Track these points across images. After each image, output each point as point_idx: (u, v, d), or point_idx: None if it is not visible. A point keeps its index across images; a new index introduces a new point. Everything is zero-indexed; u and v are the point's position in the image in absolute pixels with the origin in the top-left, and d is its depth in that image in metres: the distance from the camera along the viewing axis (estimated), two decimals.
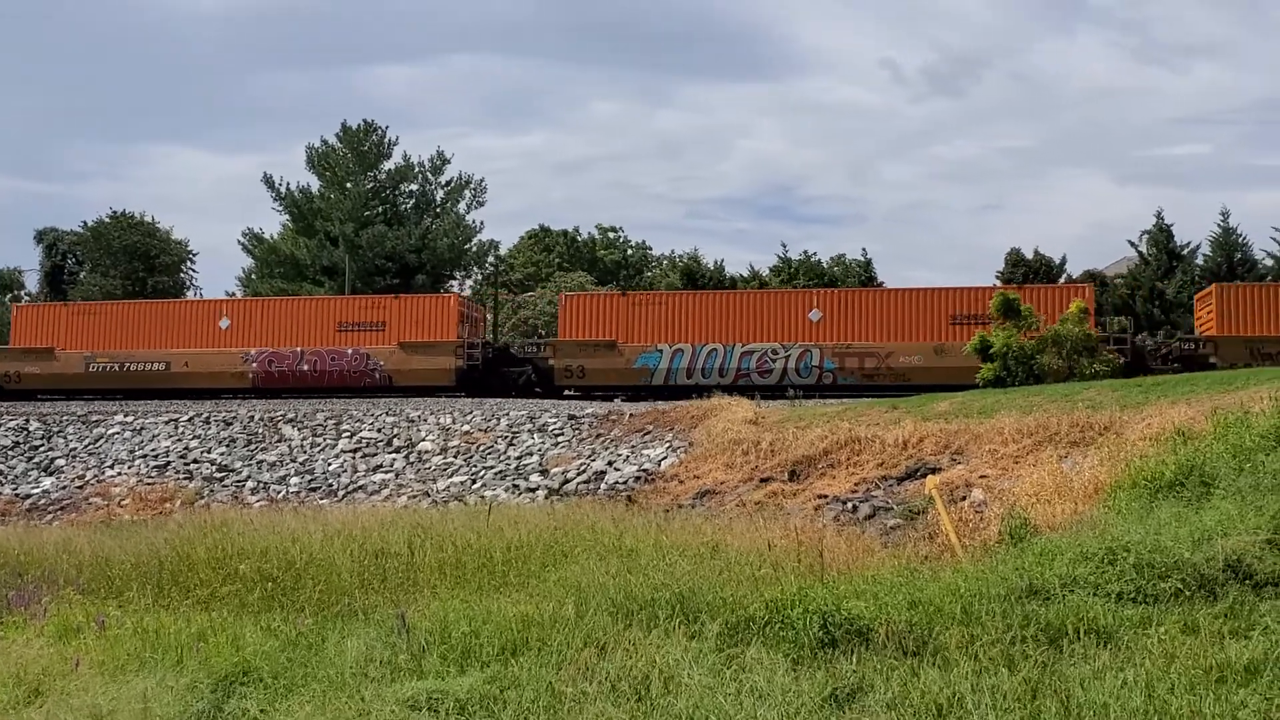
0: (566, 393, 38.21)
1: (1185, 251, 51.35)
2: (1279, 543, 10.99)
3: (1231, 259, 49.68)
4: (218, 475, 29.25)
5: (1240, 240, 50.59)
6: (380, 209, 63.82)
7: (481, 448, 28.60)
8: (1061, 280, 51.84)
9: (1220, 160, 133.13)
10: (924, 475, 19.89)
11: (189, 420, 33.00)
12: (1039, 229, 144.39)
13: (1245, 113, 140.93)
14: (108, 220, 67.46)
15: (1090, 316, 33.63)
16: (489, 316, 52.13)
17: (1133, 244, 53.13)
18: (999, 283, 48.57)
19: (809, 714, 7.89)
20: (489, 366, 40.07)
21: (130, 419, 33.65)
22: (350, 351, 40.34)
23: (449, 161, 66.11)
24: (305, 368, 40.52)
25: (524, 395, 37.99)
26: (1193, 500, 13.11)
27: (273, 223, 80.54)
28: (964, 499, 18.62)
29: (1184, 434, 16.44)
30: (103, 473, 30.22)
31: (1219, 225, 50.89)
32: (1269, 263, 50.32)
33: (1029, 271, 52.38)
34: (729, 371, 38.09)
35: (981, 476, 19.57)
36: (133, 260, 66.06)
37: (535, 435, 28.73)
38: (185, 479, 29.26)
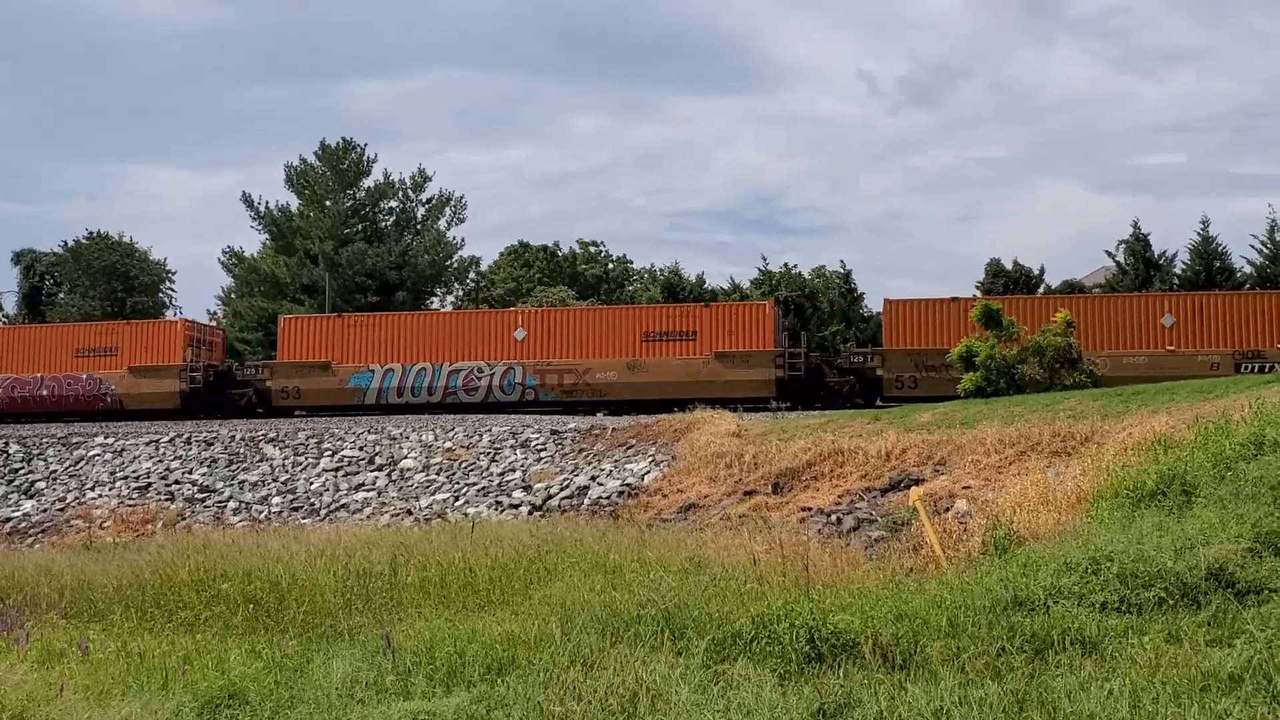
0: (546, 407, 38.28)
1: (1163, 261, 51.62)
2: (1261, 550, 11.05)
3: (1211, 267, 49.96)
4: (199, 496, 29.12)
5: (1219, 249, 50.90)
6: (360, 226, 63.76)
7: (464, 464, 28.55)
8: (1040, 291, 52.06)
9: (1197, 168, 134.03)
10: (907, 487, 19.93)
11: (170, 441, 32.86)
12: (1017, 239, 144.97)
13: (1222, 120, 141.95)
14: (85, 241, 67.21)
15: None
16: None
17: (1110, 254, 53.45)
18: (978, 293, 48.72)
19: None
20: (211, 388, 41.42)
21: (111, 440, 33.50)
22: (85, 376, 41.55)
23: (430, 179, 66.16)
24: (45, 393, 41.76)
25: (247, 415, 39.37)
26: (1175, 509, 13.15)
27: (252, 241, 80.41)
28: (947, 510, 18.64)
29: (1165, 443, 16.51)
30: (83, 495, 30.07)
31: (1198, 234, 51.25)
32: (1248, 270, 50.62)
33: (1009, 281, 52.62)
34: (437, 390, 39.81)
35: (965, 487, 19.60)
36: (111, 280, 65.83)
37: (518, 451, 28.69)
38: (167, 500, 29.12)
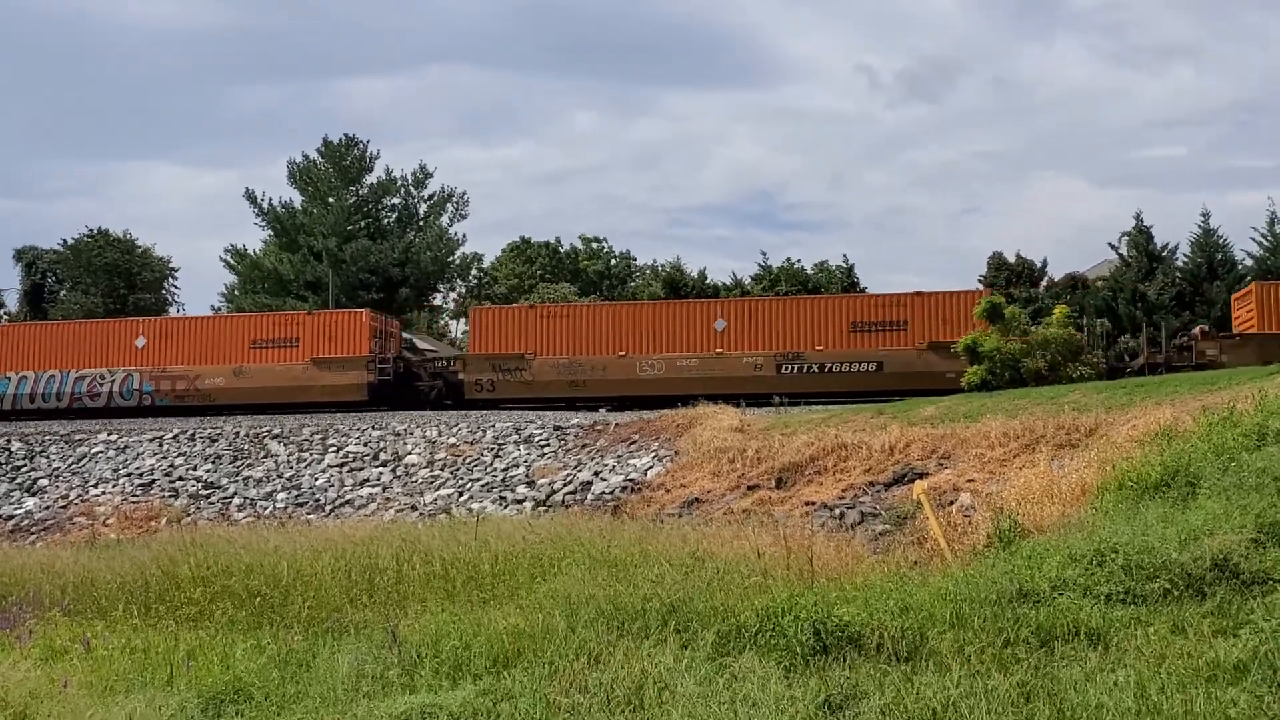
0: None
1: (1165, 253, 51.55)
2: (1265, 541, 11.04)
3: (1212, 260, 49.88)
4: (204, 492, 29.13)
5: (1221, 241, 50.83)
6: (363, 223, 63.74)
7: (468, 460, 28.55)
8: (1043, 285, 52.04)
9: (1197, 162, 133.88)
10: (911, 480, 19.90)
11: (174, 438, 32.87)
12: (1019, 233, 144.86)
13: (1221, 114, 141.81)
14: (86, 238, 67.20)
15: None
16: None
17: (1113, 246, 53.36)
18: (981, 286, 48.71)
19: None
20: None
21: (114, 437, 33.51)
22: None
23: (431, 175, 66.15)
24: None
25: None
26: (1179, 500, 13.15)
27: (255, 238, 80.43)
28: (952, 503, 18.63)
29: (1169, 435, 16.50)
30: (87, 492, 30.06)
31: (1200, 226, 51.15)
32: (1249, 263, 50.54)
33: (1011, 275, 52.58)
34: (64, 396, 41.89)
35: (969, 480, 19.59)
36: (113, 278, 65.83)
37: (521, 447, 28.69)
38: (171, 497, 29.12)
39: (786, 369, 38.58)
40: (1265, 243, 50.64)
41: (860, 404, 30.10)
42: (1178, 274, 49.54)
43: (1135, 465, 15.19)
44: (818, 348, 38.62)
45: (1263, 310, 36.74)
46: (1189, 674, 8.25)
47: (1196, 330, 39.43)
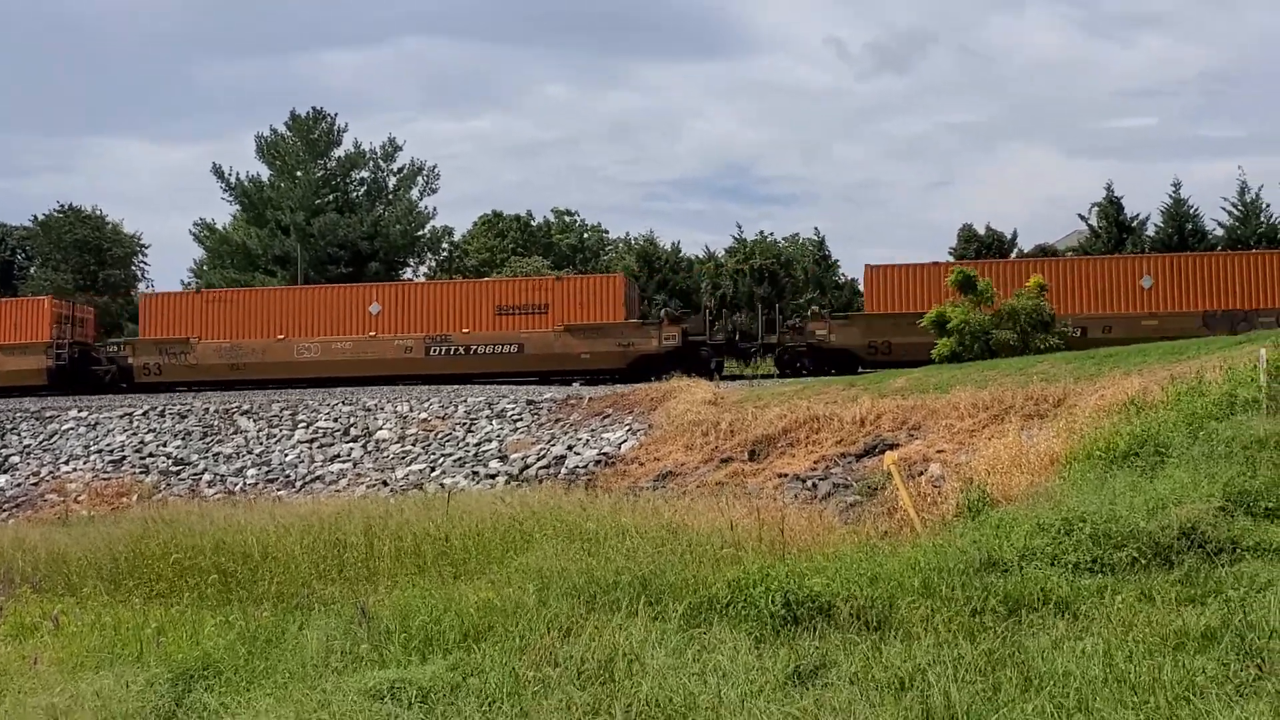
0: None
1: (1135, 224, 51.78)
2: (1232, 510, 11.13)
3: (1183, 230, 50.14)
4: (174, 469, 29.00)
5: (1191, 211, 51.09)
6: (332, 197, 63.31)
7: (440, 435, 28.49)
8: (1013, 255, 52.18)
9: (1167, 132, 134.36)
10: (882, 451, 19.99)
11: (144, 414, 32.67)
12: (990, 204, 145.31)
13: (1192, 84, 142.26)
14: (56, 214, 66.60)
15: None
16: None
17: (1083, 217, 53.58)
18: (952, 258, 48.84)
19: (773, 691, 7.91)
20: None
21: (85, 414, 33.29)
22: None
23: (400, 148, 65.71)
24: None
25: None
26: (1147, 470, 13.23)
27: (224, 213, 79.78)
28: (922, 474, 18.73)
29: (1137, 404, 16.60)
30: (58, 469, 29.90)
31: (1170, 196, 51.40)
32: (1219, 233, 50.83)
33: (981, 247, 52.70)
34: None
35: (939, 451, 19.68)
36: (83, 254, 65.28)
37: (494, 421, 28.64)
38: (141, 473, 28.99)
39: (435, 351, 39.78)
40: (1235, 212, 50.95)
41: (505, 384, 32.91)
42: (1148, 244, 49.77)
43: (1103, 435, 15.28)
44: (464, 330, 39.81)
45: (871, 292, 38.70)
46: (1156, 642, 8.30)
47: (809, 312, 41.82)
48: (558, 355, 39.03)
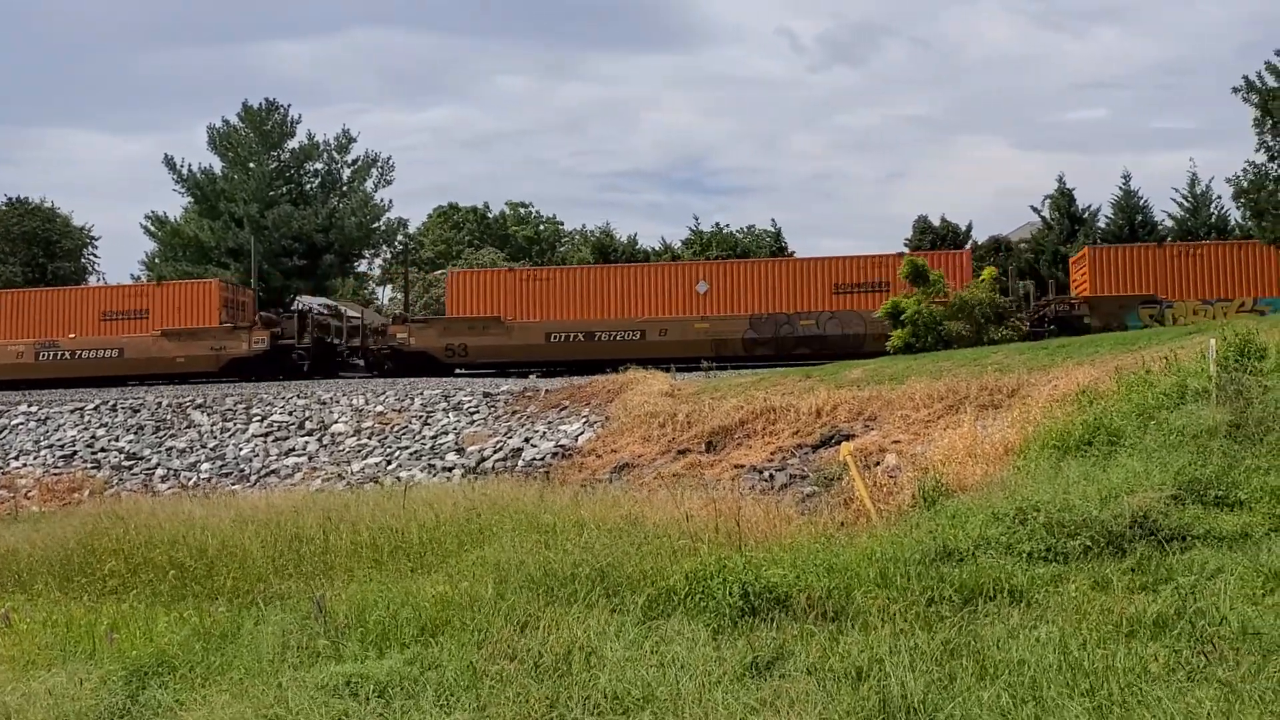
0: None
1: (1086, 215, 52.21)
2: (1184, 498, 11.27)
3: (1133, 221, 50.60)
4: (126, 464, 28.71)
5: (1141, 203, 51.55)
6: (285, 189, 62.75)
7: (396, 428, 28.36)
8: (967, 246, 52.52)
9: (1119, 124, 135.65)
10: (838, 442, 20.07)
11: (95, 409, 32.32)
12: (945, 197, 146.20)
13: (1143, 77, 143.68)
14: (4, 207, 65.69)
15: None
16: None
17: (1035, 209, 53.95)
18: (908, 249, 49.14)
19: (730, 683, 7.93)
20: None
21: (34, 409, 32.89)
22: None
23: (355, 140, 65.24)
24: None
25: None
26: (1100, 459, 13.36)
27: (175, 205, 78.98)
28: (878, 464, 18.82)
29: (1089, 394, 16.75)
30: (7, 464, 29.52)
31: (1120, 188, 51.84)
32: (1169, 224, 51.35)
33: (936, 238, 52.99)
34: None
35: (894, 442, 19.79)
36: (32, 247, 64.42)
37: (450, 414, 28.54)
38: (93, 468, 28.69)
39: (44, 356, 41.36)
40: (1185, 204, 51.47)
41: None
42: (1099, 236, 50.20)
43: (1057, 425, 15.42)
44: (71, 335, 41.02)
45: (452, 296, 40.21)
46: (1109, 630, 8.40)
47: (391, 315, 43.98)
48: (155, 359, 40.32)
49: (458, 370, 38.07)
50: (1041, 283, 45.51)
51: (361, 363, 41.10)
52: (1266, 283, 36.08)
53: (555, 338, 38.44)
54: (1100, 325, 34.79)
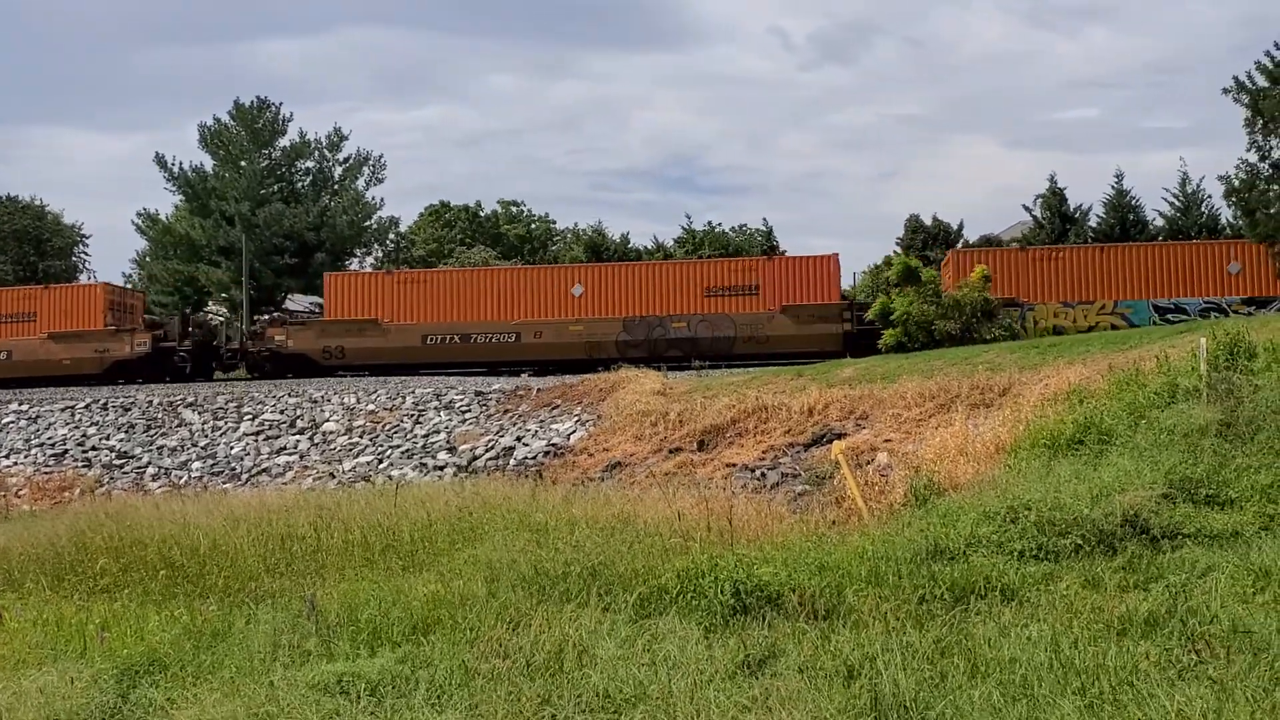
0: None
1: (1078, 215, 52.26)
2: (1175, 496, 11.29)
3: (1124, 221, 50.66)
4: (117, 462, 28.65)
5: (1133, 202, 51.61)
6: (277, 187, 62.62)
7: (387, 427, 28.33)
8: (959, 245, 52.56)
9: (1111, 123, 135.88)
10: (830, 441, 20.09)
11: (85, 407, 32.26)
12: (937, 195, 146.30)
13: (1134, 76, 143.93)
14: None
15: None
16: None
17: (1027, 208, 54.00)
18: (899, 249, 49.20)
19: (722, 681, 7.93)
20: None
21: (25, 407, 32.82)
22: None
23: (346, 138, 65.12)
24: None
25: None
26: (1091, 458, 13.39)
27: (166, 203, 78.75)
28: (869, 463, 18.84)
29: (1080, 393, 16.78)
30: None
31: (1113, 187, 51.89)
32: (1160, 223, 51.42)
33: (928, 238, 53.01)
34: None
35: (886, 440, 19.81)
36: (22, 245, 64.27)
37: (442, 413, 28.52)
38: (84, 467, 28.62)
39: None
40: (1176, 203, 51.53)
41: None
42: (1090, 235, 50.24)
43: (1048, 423, 15.44)
44: None
45: (330, 299, 40.30)
46: (1100, 628, 8.41)
47: (267, 317, 43.89)
48: (42, 362, 40.29)
49: (340, 372, 38.46)
50: None
51: (243, 365, 41.38)
52: (1129, 286, 36.75)
53: (431, 340, 38.88)
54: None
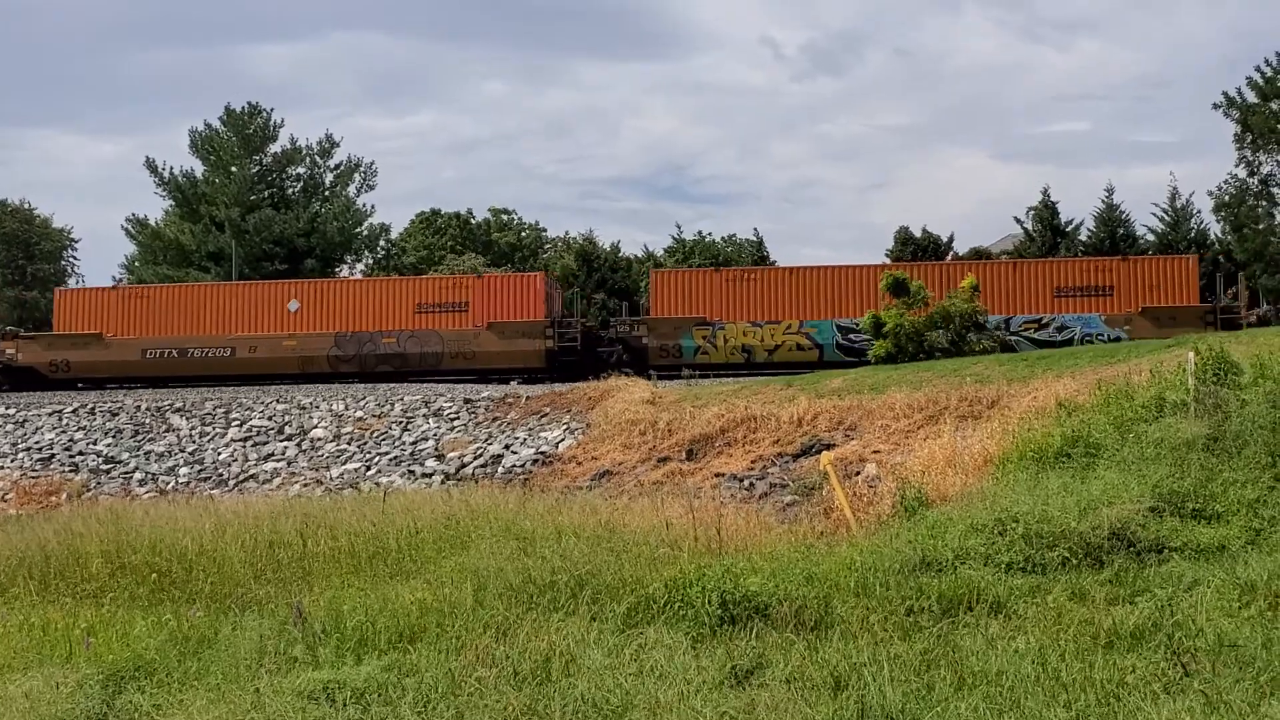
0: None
1: (1069, 228, 52.44)
2: (1162, 510, 11.32)
3: (1114, 235, 50.83)
4: (104, 467, 28.57)
5: (1123, 216, 51.79)
6: (267, 193, 62.59)
7: (375, 434, 28.30)
8: (949, 258, 52.68)
9: (1100, 137, 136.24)
10: (818, 451, 20.10)
11: (73, 411, 32.17)
12: (927, 207, 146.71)
13: (1125, 89, 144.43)
14: None
15: None
16: None
17: (1018, 220, 54.16)
18: (889, 260, 49.32)
19: (709, 691, 7.92)
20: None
21: (11, 411, 32.72)
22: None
23: (337, 144, 65.12)
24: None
25: None
26: (1079, 471, 13.41)
27: (156, 208, 78.60)
28: (858, 474, 18.85)
29: (1069, 406, 16.82)
30: None
31: (1103, 201, 52.08)
32: (1150, 237, 51.60)
33: (917, 249, 53.13)
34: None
35: (874, 451, 19.83)
36: (11, 248, 64.16)
37: (430, 420, 28.50)
38: (71, 471, 28.54)
39: None
40: (1166, 217, 51.73)
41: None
42: (1081, 249, 50.41)
43: (1036, 436, 15.47)
44: None
45: (59, 313, 41.71)
46: (1087, 641, 8.43)
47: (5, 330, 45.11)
48: None
49: (66, 386, 39.54)
50: None
51: None
52: (814, 307, 37.91)
53: (150, 354, 39.95)
54: (657, 345, 37.77)
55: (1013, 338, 35.65)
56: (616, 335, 39.46)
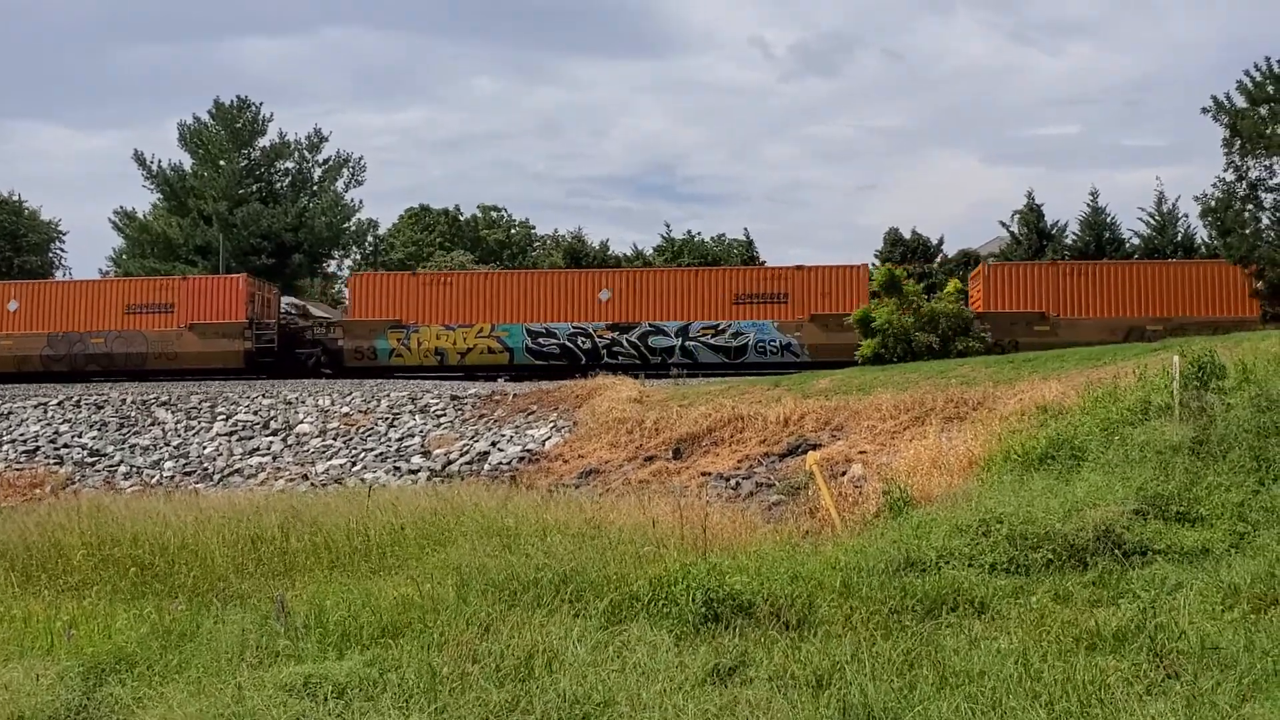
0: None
1: (1055, 231, 52.51)
2: (1146, 512, 11.34)
3: (1100, 238, 50.91)
4: (89, 460, 28.45)
5: (1108, 220, 51.88)
6: (255, 187, 62.49)
7: (361, 429, 28.23)
8: (938, 260, 52.75)
9: (1090, 140, 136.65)
10: (805, 452, 20.10)
11: (58, 404, 32.04)
12: (917, 208, 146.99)
13: (1114, 93, 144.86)
14: None
15: None
16: None
17: (1004, 224, 54.24)
18: (878, 262, 49.37)
19: (692, 689, 7.92)
20: None
21: None
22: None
23: (326, 139, 65.02)
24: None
25: None
26: (1064, 472, 13.44)
27: (144, 201, 78.40)
28: (844, 474, 18.86)
29: (1052, 409, 16.85)
30: None
31: (1088, 205, 52.15)
32: (1135, 241, 51.71)
33: (907, 251, 53.17)
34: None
35: (861, 452, 19.84)
36: None
37: (417, 416, 28.43)
38: (55, 464, 28.41)
39: None
40: (1152, 222, 51.83)
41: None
42: (1066, 252, 50.48)
43: (1021, 438, 15.49)
44: None
45: None
46: (1069, 642, 8.44)
47: None
48: None
49: None
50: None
51: None
52: (506, 311, 38.65)
53: None
54: (352, 347, 39.09)
55: (691, 343, 37.06)
56: (314, 337, 40.63)
